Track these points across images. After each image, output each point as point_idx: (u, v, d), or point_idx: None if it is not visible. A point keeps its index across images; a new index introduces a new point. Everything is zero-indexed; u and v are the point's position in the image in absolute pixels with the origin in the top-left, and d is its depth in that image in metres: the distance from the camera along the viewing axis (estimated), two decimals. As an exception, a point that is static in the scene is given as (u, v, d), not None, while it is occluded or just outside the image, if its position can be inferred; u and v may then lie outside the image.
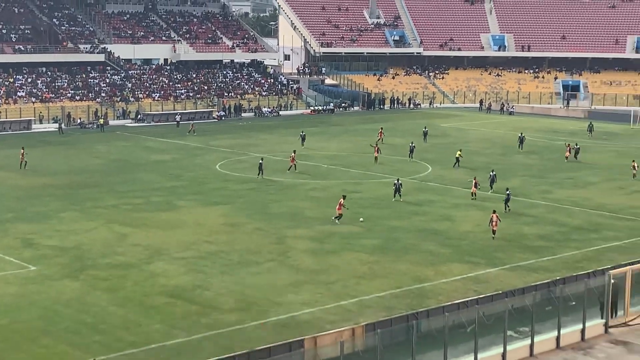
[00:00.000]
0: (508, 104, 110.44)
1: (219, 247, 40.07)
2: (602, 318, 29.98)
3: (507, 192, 48.86)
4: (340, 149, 73.61)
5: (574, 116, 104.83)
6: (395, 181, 51.81)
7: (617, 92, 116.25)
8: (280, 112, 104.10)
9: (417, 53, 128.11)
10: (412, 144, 68.68)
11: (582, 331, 29.12)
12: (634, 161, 61.28)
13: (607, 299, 29.86)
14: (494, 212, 42.92)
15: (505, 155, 70.21)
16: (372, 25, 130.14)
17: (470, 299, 30.47)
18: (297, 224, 44.98)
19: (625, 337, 29.46)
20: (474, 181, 52.17)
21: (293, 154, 61.84)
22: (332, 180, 58.37)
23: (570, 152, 67.85)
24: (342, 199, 45.81)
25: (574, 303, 29.78)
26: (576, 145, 69.47)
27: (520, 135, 75.28)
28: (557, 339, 28.41)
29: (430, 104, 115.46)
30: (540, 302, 29.35)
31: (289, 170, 60.51)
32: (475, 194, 51.70)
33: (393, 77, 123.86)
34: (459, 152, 65.09)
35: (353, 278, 35.50)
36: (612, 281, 30.00)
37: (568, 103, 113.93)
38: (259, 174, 58.01)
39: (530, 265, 37.69)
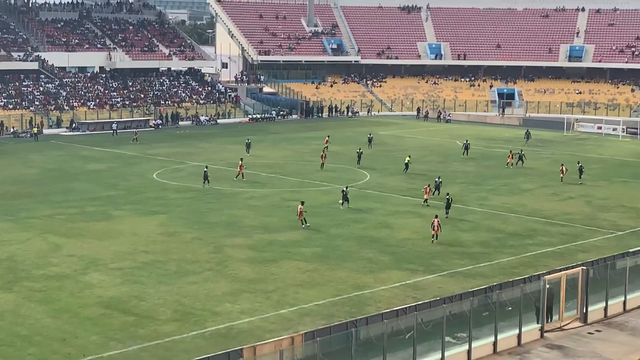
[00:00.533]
0: (445, 112, 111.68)
1: (156, 257, 39.58)
2: (537, 323, 30.40)
3: (447, 197, 49.49)
4: (279, 157, 73.50)
5: (509, 124, 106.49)
6: (344, 188, 52.10)
7: (550, 100, 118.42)
8: (218, 121, 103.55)
9: (355, 61, 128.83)
10: (359, 150, 69.14)
11: (519, 336, 29.51)
12: (562, 165, 62.95)
13: (543, 303, 30.31)
14: (436, 216, 43.70)
15: (443, 163, 70.88)
16: (310, 34, 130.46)
17: (408, 305, 30.61)
18: (235, 232, 44.72)
19: (560, 342, 29.93)
20: (427, 187, 52.73)
21: (240, 162, 61.56)
22: (270, 188, 58.22)
23: (512, 159, 68.86)
24: (300, 206, 46.07)
25: (510, 308, 30.14)
26: (521, 151, 70.55)
27: (465, 142, 76.23)
28: (494, 344, 28.73)
29: (368, 112, 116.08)
30: (477, 308, 29.62)
31: (235, 178, 60.23)
32: (427, 200, 52.10)
33: (331, 86, 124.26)
34: (407, 158, 65.83)
35: (292, 286, 35.39)
36: (547, 286, 30.46)
37: (503, 111, 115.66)
38: (204, 182, 57.63)
39: (468, 272, 38.06)
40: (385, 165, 68.57)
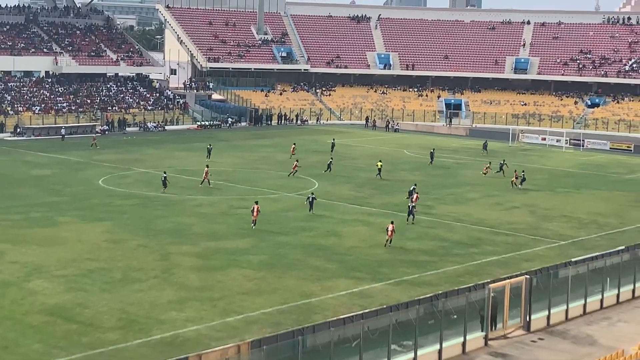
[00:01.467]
0: (393, 122, 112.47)
1: (101, 264, 39.13)
2: (482, 331, 30.74)
3: (411, 205, 50.95)
4: (228, 164, 73.19)
5: (456, 134, 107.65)
6: (310, 195, 52.80)
7: (496, 111, 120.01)
8: (166, 127, 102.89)
9: (304, 70, 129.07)
10: (331, 158, 71.10)
11: (463, 344, 29.79)
12: (515, 171, 65.25)
13: (487, 312, 30.66)
14: (392, 222, 44.64)
15: (391, 172, 71.17)
16: (260, 42, 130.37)
17: (355, 313, 30.66)
18: (182, 240, 44.42)
19: (504, 350, 30.30)
20: (416, 195, 54.29)
21: (206, 168, 61.53)
22: (218, 196, 57.96)
23: (489, 169, 70.19)
24: (255, 205, 47.38)
25: (455, 316, 30.38)
26: (503, 161, 71.95)
27: (431, 150, 77.71)
28: (439, 352, 28.96)
29: (317, 120, 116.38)
30: (423, 316, 29.84)
31: (201, 184, 60.26)
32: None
33: (280, 94, 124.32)
34: (379, 163, 67.77)
35: (239, 294, 35.28)
36: (492, 294, 30.83)
37: (450, 121, 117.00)
38: (164, 189, 57.41)
39: (414, 280, 38.33)
40: (334, 173, 68.72)
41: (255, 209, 47.33)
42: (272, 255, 41.82)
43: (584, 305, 34.53)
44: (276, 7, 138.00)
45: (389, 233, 44.00)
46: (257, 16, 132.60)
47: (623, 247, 41.56)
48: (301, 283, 37.16)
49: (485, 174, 69.61)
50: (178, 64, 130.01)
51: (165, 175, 58.54)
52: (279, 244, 44.22)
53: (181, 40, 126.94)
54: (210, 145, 76.09)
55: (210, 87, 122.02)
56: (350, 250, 43.39)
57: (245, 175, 67.37)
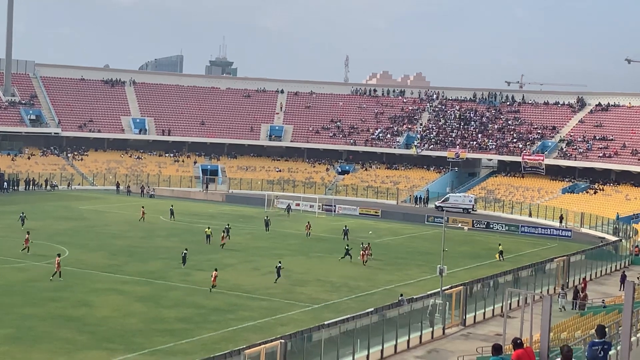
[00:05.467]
0: (149, 187, 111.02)
1: None
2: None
3: (214, 276, 51.13)
4: (-31, 232, 68.65)
5: (212, 199, 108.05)
6: (278, 264, 53.55)
7: (252, 177, 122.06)
8: None
9: (55, 133, 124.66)
10: (266, 217, 79.98)
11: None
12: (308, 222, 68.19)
13: (243, 378, 30.52)
14: (216, 270, 50.49)
15: (146, 238, 69.94)
16: (7, 103, 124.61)
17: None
18: None
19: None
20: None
21: (27, 235, 60.04)
22: (-42, 266, 54.01)
23: (366, 255, 63.60)
24: (58, 257, 50.47)
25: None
26: (347, 246, 66.12)
27: (225, 227, 72.92)
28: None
29: (68, 185, 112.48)
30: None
31: (22, 250, 58.24)
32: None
33: (29, 158, 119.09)
34: (208, 229, 69.93)
35: (-21, 372, 32.83)
36: (248, 360, 30.79)
37: (207, 187, 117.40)
38: None
39: (170, 349, 37.50)
40: (86, 240, 66.37)
41: (214, 275, 50.38)
42: (17, 329, 39.35)
43: (337, 367, 35.30)
44: (25, 68, 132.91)
45: (213, 279, 49.65)
46: (4, 77, 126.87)
47: (372, 309, 43.14)
48: (50, 357, 35.19)
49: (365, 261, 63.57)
50: None
51: None
52: (26, 316, 41.74)
53: None
54: (23, 214, 73.18)
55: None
56: (102, 321, 41.78)
57: (-11, 243, 63.39)
